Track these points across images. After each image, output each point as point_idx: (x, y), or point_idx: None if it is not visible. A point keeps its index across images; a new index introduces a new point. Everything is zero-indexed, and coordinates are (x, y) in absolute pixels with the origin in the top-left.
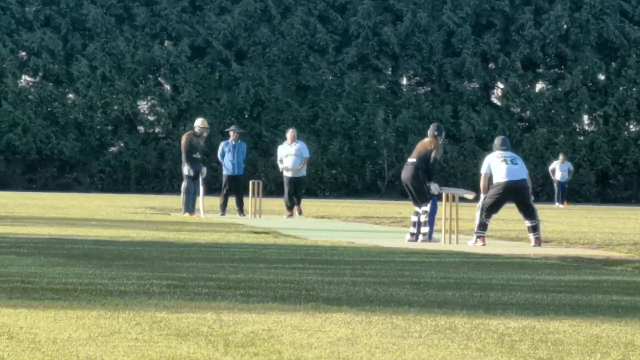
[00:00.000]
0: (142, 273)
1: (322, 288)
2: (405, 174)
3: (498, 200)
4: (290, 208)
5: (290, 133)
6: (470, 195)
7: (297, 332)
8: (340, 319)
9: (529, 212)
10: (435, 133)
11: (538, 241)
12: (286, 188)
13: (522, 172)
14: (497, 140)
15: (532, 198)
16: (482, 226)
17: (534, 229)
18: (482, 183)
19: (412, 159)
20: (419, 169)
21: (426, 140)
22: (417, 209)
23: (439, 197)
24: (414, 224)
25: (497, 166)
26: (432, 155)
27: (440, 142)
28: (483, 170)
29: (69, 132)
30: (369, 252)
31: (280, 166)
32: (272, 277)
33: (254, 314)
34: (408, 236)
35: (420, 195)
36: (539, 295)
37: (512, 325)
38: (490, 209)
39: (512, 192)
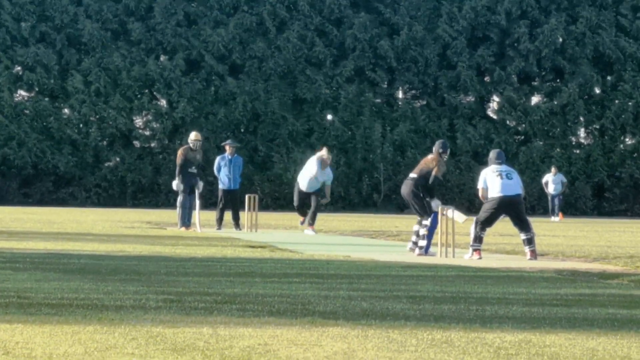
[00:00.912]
0: (138, 288)
1: (318, 302)
2: (405, 189)
3: (492, 214)
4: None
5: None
6: (461, 220)
7: (294, 346)
8: (337, 333)
9: (523, 226)
10: (440, 150)
11: (533, 254)
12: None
13: (516, 186)
14: (492, 154)
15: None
16: (478, 239)
17: (529, 241)
18: (481, 196)
19: (412, 174)
20: (419, 185)
21: (430, 157)
22: (419, 219)
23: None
24: (416, 234)
25: (493, 181)
26: (433, 173)
27: (444, 160)
28: (480, 185)
29: (63, 147)
30: (365, 266)
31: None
32: (269, 292)
33: (250, 328)
34: (410, 244)
35: (421, 210)
36: (535, 308)
37: (508, 338)
38: (485, 223)
39: (507, 207)
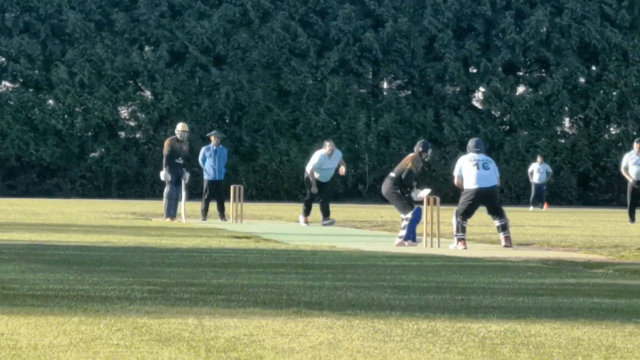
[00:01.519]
0: (124, 278)
1: (303, 292)
2: (385, 188)
3: (470, 206)
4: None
5: (329, 146)
6: (425, 193)
7: (279, 336)
8: (322, 324)
9: (497, 213)
10: (420, 149)
11: (508, 240)
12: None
13: (492, 178)
14: (471, 142)
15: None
16: (461, 229)
17: (503, 227)
18: (456, 183)
19: (392, 174)
20: (397, 184)
21: (410, 155)
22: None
23: (422, 203)
24: (403, 227)
25: (469, 171)
26: (407, 167)
27: (423, 159)
28: (456, 172)
29: (48, 138)
30: (351, 256)
31: (316, 174)
32: (254, 282)
33: (235, 319)
34: (398, 240)
35: (401, 208)
36: (520, 298)
37: (493, 328)
38: (465, 215)
39: (483, 198)
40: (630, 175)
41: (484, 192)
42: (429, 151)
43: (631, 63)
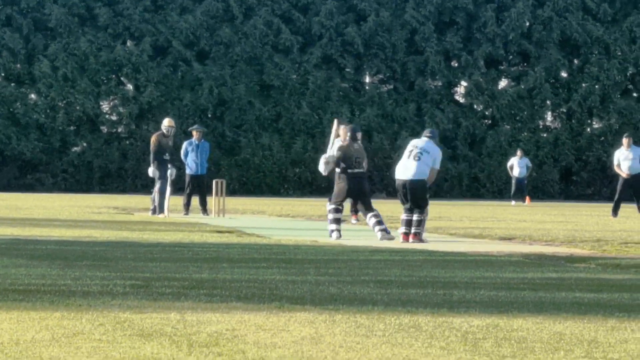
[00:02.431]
0: (106, 273)
1: (285, 287)
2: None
3: (401, 196)
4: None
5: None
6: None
7: (261, 331)
8: (304, 318)
9: (420, 206)
10: (349, 134)
11: (417, 237)
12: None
13: (420, 171)
14: (426, 130)
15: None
16: (405, 222)
17: (419, 223)
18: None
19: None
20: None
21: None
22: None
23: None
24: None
25: (402, 158)
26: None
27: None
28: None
29: (30, 133)
30: (333, 250)
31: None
32: (236, 277)
33: (217, 313)
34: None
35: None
36: (502, 293)
37: (475, 323)
38: (403, 203)
39: (406, 189)
40: (623, 171)
41: (405, 184)
42: (359, 135)
43: (613, 56)
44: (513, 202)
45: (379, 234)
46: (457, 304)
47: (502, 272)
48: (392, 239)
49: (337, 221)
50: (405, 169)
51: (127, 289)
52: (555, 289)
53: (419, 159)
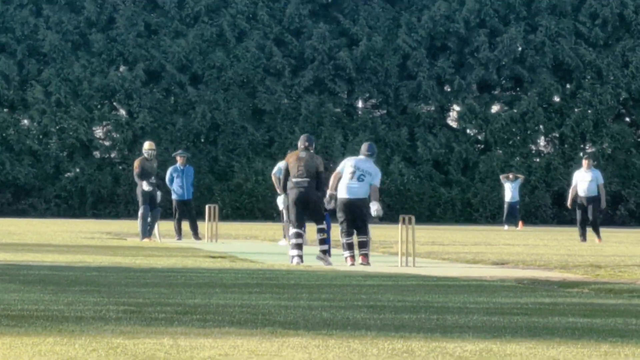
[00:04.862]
0: (99, 299)
1: (278, 312)
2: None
3: (343, 218)
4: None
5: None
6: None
7: (254, 356)
8: (297, 343)
9: (361, 228)
10: (307, 144)
11: (365, 259)
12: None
13: (361, 190)
14: (364, 146)
15: (378, 212)
16: (348, 246)
17: (364, 244)
18: (331, 181)
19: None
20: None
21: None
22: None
23: (331, 213)
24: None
25: (343, 178)
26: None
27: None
28: (337, 169)
29: (23, 158)
30: (326, 275)
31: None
32: (229, 302)
33: (210, 338)
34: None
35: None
36: (495, 317)
37: (469, 348)
38: (345, 228)
39: (349, 209)
40: (579, 192)
41: (349, 203)
42: (311, 145)
43: (605, 81)
44: (506, 227)
45: (318, 253)
46: (451, 329)
47: (495, 297)
48: (328, 264)
49: (299, 246)
50: (351, 189)
51: (120, 314)
52: (549, 314)
53: (363, 180)
